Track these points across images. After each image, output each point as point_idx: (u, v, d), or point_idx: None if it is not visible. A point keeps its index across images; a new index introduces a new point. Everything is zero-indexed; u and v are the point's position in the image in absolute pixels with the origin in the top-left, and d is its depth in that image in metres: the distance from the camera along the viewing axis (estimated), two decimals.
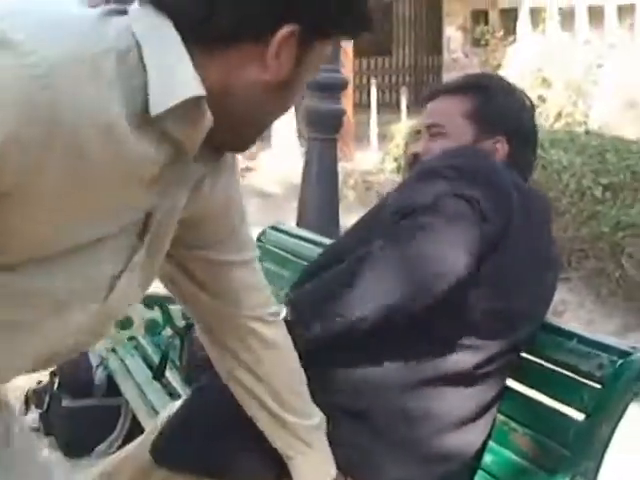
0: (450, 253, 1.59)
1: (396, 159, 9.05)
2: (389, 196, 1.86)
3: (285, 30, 1.07)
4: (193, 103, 1.04)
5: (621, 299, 5.10)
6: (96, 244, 1.10)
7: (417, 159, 1.94)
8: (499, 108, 1.93)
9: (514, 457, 1.84)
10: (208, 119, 1.08)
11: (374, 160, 11.12)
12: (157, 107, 1.02)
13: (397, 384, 1.68)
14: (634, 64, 12.60)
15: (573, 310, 5.07)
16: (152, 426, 2.05)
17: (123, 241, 1.14)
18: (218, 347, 1.53)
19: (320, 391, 1.61)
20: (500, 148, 1.91)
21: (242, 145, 1.19)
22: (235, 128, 1.14)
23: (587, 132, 7.52)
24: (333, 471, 1.59)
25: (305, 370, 1.57)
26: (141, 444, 1.81)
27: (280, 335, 1.54)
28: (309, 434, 1.57)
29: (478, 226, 1.62)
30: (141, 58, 1.02)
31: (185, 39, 1.05)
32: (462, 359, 1.71)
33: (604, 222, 5.12)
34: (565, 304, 5.15)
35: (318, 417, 1.60)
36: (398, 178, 9.04)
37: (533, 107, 2.02)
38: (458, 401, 1.72)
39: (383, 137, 10.55)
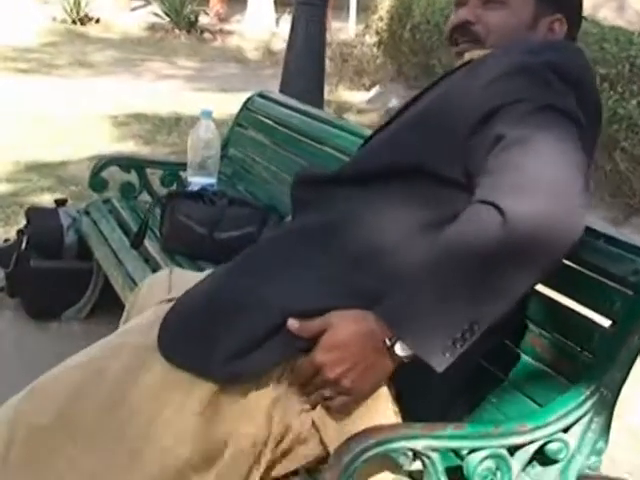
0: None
1: (378, 33, 8.73)
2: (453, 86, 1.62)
3: None
4: None
5: (606, 192, 4.99)
6: None
7: (466, 27, 1.71)
8: None
9: (530, 360, 1.72)
10: None
11: (352, 31, 10.81)
12: None
13: None
14: None
15: None
16: (131, 301, 1.89)
17: None
18: None
19: None
20: (557, 28, 1.72)
21: None
22: None
23: (585, 19, 7.26)
24: None
25: None
26: (130, 329, 1.59)
27: None
28: None
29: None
30: None
31: None
32: None
33: None
34: None
35: None
36: (378, 52, 8.76)
37: None
38: None
39: (362, 9, 10.21)
